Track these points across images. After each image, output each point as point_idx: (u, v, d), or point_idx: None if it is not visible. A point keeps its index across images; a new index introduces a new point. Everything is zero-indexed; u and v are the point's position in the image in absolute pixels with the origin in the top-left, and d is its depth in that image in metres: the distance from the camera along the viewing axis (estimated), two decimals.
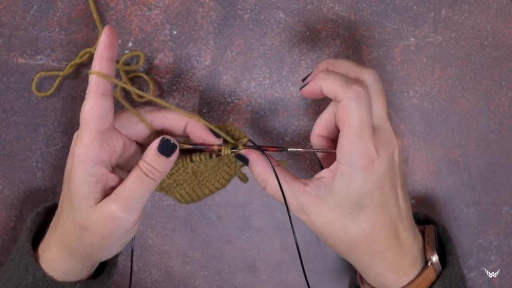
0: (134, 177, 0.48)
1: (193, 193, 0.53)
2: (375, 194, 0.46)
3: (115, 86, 0.60)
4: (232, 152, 0.50)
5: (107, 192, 0.48)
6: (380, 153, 0.46)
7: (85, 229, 0.48)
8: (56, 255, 0.51)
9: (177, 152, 0.49)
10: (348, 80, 0.46)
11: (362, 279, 0.53)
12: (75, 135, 0.48)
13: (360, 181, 0.46)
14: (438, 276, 0.50)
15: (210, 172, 0.53)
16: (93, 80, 0.46)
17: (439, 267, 0.50)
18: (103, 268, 0.56)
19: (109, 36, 0.46)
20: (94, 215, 0.47)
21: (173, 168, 0.52)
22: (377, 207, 0.47)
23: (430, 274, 0.49)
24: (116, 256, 0.57)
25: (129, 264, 0.64)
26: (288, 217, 0.49)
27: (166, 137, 0.48)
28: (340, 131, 0.46)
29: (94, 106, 0.46)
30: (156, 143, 0.48)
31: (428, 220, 0.56)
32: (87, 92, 0.47)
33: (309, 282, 0.51)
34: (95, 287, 0.53)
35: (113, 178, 0.48)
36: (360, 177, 0.46)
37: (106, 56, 0.46)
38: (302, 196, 0.48)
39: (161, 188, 0.53)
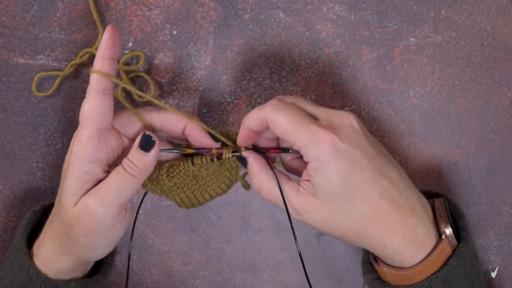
0: (113, 172, 0.48)
1: (193, 197, 0.53)
2: (356, 171, 0.45)
3: (116, 86, 0.60)
4: (233, 155, 0.50)
5: None
6: (336, 130, 0.46)
7: (71, 226, 0.48)
8: (50, 252, 0.51)
9: (156, 148, 0.49)
10: (263, 104, 0.48)
11: (375, 257, 0.52)
12: (75, 134, 0.48)
13: (334, 166, 0.45)
14: (453, 251, 0.49)
15: (211, 177, 0.53)
16: (94, 78, 0.46)
17: (454, 241, 0.49)
18: (100, 267, 0.56)
19: (112, 35, 0.46)
20: (75, 211, 0.47)
21: (174, 170, 0.52)
22: (365, 183, 0.46)
23: (445, 248, 0.48)
24: (113, 256, 0.57)
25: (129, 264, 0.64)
26: (288, 217, 0.49)
27: (147, 133, 0.49)
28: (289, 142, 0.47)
29: (94, 104, 0.46)
30: (138, 139, 0.48)
31: (438, 196, 0.54)
32: (87, 90, 0.47)
33: (308, 280, 0.51)
34: (90, 286, 0.53)
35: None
36: (332, 163, 0.45)
37: (107, 55, 0.46)
38: (296, 197, 0.48)
39: (162, 191, 0.53)
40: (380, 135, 0.62)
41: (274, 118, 0.46)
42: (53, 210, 0.51)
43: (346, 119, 0.47)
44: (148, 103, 0.62)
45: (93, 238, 0.48)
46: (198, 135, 0.50)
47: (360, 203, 0.46)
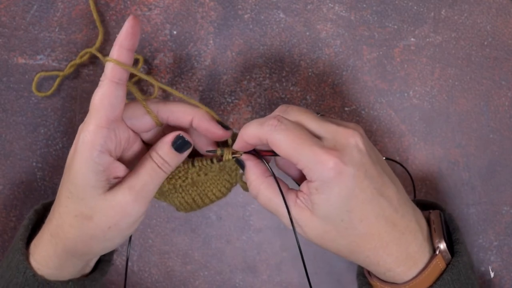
0: (148, 168, 0.47)
1: (193, 203, 0.53)
2: (356, 193, 0.45)
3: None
4: (233, 157, 0.50)
5: (111, 182, 0.47)
6: (340, 153, 0.45)
7: (89, 219, 0.47)
8: (49, 249, 0.50)
9: (189, 150, 0.49)
10: (262, 120, 0.46)
11: (369, 271, 0.52)
12: (80, 126, 0.47)
13: (336, 189, 0.45)
14: (447, 265, 0.48)
15: (211, 181, 0.52)
16: (109, 67, 0.45)
17: (447, 255, 0.48)
18: (97, 266, 0.55)
19: (133, 26, 0.45)
20: (103, 204, 0.46)
21: (173, 171, 0.51)
22: (364, 204, 0.46)
23: (439, 263, 0.48)
24: (112, 254, 0.56)
25: (129, 264, 0.64)
26: (292, 227, 0.49)
27: (182, 134, 0.48)
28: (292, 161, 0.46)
29: (107, 94, 0.45)
30: (170, 137, 0.48)
31: (434, 206, 0.54)
32: (101, 79, 0.46)
33: (309, 282, 0.51)
34: (88, 285, 0.52)
35: (119, 167, 0.47)
36: (334, 185, 0.44)
37: (126, 45, 0.45)
38: (293, 208, 0.47)
39: (160, 193, 0.52)
40: (380, 135, 0.62)
41: (275, 139, 0.45)
42: (53, 207, 0.50)
43: (351, 139, 0.46)
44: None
45: (116, 231, 0.47)
46: (207, 126, 0.49)
47: (357, 224, 0.46)
